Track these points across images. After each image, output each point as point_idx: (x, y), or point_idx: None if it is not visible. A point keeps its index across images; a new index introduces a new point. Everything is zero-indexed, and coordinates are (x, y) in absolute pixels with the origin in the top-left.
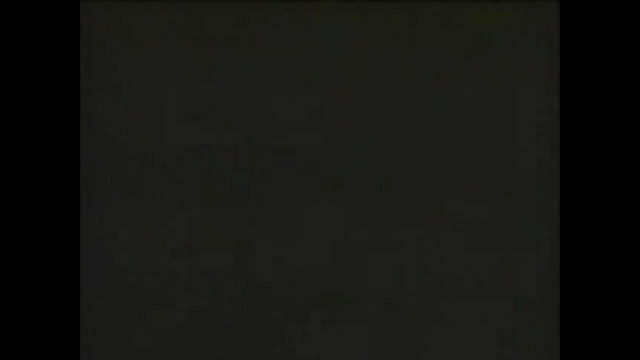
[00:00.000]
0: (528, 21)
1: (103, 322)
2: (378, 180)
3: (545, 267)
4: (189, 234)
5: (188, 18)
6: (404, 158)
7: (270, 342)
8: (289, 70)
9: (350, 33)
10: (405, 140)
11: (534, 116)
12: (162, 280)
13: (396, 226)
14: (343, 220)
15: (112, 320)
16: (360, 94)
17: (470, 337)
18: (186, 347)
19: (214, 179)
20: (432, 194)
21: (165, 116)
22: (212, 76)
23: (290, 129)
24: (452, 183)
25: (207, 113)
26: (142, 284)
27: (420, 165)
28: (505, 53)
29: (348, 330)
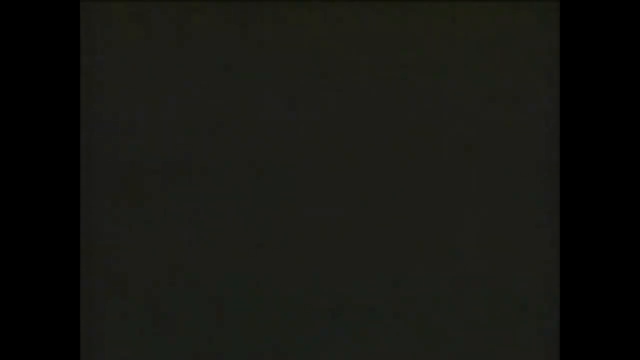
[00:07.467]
0: (528, 21)
1: (104, 321)
2: (377, 180)
3: (545, 270)
4: (189, 235)
5: (188, 18)
6: (402, 157)
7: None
8: (290, 71)
9: (349, 33)
10: (404, 139)
11: (534, 116)
12: (163, 281)
13: (394, 226)
14: (343, 218)
15: (112, 320)
16: (359, 94)
17: (470, 338)
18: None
19: (213, 178)
20: (432, 193)
21: (165, 116)
22: (212, 76)
23: (290, 128)
24: (451, 183)
25: (206, 113)
26: (143, 284)
27: (420, 165)
28: (505, 53)
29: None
